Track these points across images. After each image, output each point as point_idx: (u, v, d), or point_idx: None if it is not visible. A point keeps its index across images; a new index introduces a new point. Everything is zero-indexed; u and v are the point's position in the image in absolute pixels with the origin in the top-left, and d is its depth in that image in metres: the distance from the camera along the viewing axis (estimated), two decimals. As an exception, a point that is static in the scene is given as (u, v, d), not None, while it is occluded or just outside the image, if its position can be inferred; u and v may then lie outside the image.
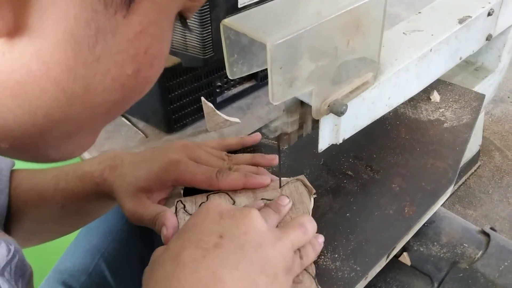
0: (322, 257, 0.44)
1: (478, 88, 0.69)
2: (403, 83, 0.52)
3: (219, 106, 0.81)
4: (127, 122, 0.80)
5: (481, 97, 0.64)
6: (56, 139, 0.25)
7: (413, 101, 0.64)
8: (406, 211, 0.48)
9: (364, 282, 0.43)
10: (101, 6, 0.20)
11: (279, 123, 0.44)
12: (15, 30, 0.19)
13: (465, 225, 0.52)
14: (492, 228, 0.52)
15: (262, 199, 0.48)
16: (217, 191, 0.49)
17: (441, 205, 0.63)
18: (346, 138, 0.49)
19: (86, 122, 0.25)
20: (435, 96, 0.63)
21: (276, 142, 0.58)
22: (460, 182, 0.77)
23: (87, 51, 0.21)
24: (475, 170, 0.81)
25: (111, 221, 0.62)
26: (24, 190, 0.49)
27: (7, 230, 0.41)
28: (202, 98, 0.73)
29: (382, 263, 0.45)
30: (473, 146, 0.77)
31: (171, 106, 0.72)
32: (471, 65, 0.74)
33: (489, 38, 0.64)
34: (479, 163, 0.82)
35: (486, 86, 0.78)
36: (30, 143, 0.24)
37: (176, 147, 0.51)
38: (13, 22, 0.18)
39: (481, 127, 0.83)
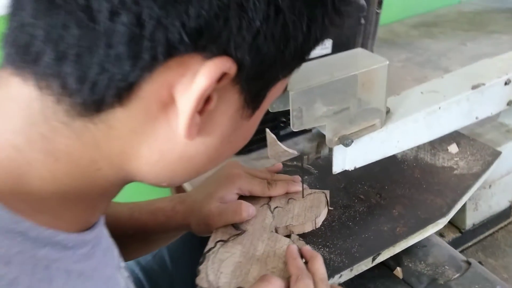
0: (322, 249, 0.59)
1: (504, 147, 0.77)
2: (412, 130, 0.65)
3: (282, 138, 0.99)
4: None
5: (497, 153, 0.73)
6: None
7: (433, 149, 0.76)
8: (397, 230, 0.61)
9: (349, 272, 0.56)
10: (239, 117, 0.33)
11: (301, 146, 0.61)
12: (197, 133, 0.31)
13: (453, 254, 0.62)
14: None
15: (290, 199, 0.65)
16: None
17: (449, 242, 0.73)
18: (357, 167, 0.63)
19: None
20: (453, 148, 0.74)
21: (299, 163, 0.74)
22: (486, 233, 0.83)
23: (227, 143, 0.35)
24: (505, 225, 0.86)
25: None
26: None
27: None
28: (267, 129, 0.93)
29: (368, 263, 0.58)
30: (501, 200, 0.83)
31: (241, 133, 0.92)
32: (504, 127, 0.83)
33: (510, 103, 0.73)
34: (511, 218, 0.87)
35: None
36: (178, 180, 0.37)
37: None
38: (199, 129, 0.31)
39: (512, 185, 0.87)
